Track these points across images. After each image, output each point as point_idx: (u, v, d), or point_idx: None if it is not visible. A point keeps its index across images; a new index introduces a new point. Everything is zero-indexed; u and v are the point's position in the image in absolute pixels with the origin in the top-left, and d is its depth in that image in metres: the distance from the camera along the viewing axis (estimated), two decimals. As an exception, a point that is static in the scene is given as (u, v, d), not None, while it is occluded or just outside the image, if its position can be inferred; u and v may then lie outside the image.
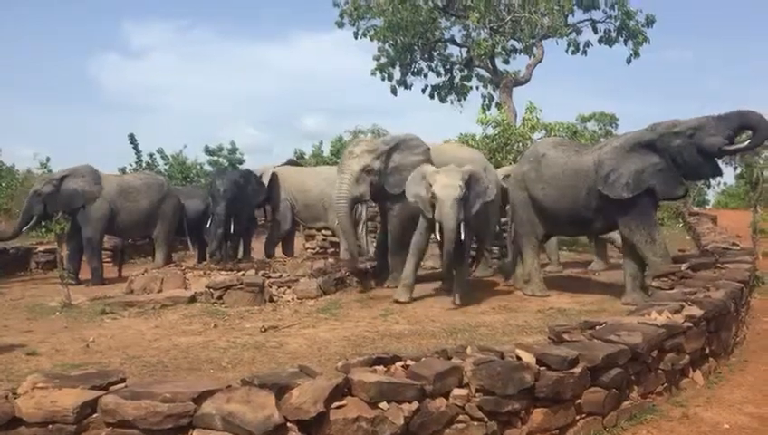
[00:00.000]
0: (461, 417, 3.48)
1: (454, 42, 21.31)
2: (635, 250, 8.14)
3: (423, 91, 21.91)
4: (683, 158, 7.92)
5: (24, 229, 11.55)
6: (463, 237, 8.20)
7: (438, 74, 21.82)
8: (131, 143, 20.16)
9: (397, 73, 21.26)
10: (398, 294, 8.72)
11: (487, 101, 21.29)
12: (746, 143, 7.92)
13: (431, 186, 8.18)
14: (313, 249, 13.80)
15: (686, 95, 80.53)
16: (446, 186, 8.07)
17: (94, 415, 3.15)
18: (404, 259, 9.82)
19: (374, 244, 11.92)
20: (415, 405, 3.31)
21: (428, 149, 9.73)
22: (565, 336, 4.37)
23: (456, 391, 3.50)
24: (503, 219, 11.14)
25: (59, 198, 11.09)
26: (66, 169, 11.51)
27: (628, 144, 8.19)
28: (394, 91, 21.42)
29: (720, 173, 8.33)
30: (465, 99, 21.91)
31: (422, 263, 11.56)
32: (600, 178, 8.15)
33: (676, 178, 8.04)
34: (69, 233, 11.15)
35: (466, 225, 8.30)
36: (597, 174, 8.18)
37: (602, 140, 16.11)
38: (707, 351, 5.23)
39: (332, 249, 13.04)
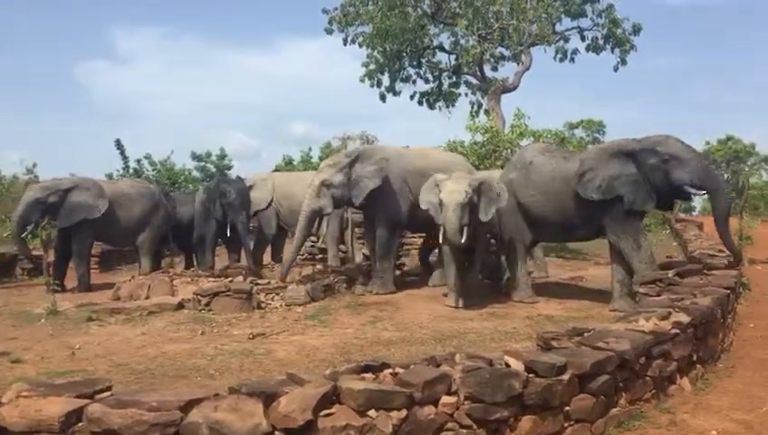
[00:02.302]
0: (450, 425, 3.47)
1: (442, 49, 21.43)
2: (622, 257, 8.18)
3: (411, 97, 22.03)
4: (653, 177, 8.06)
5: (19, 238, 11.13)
6: (464, 241, 8.27)
7: (427, 81, 21.94)
8: (118, 149, 20.02)
9: (385, 80, 21.36)
10: (449, 299, 8.77)
11: (476, 108, 21.39)
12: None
13: (440, 192, 8.44)
14: (302, 255, 13.74)
15: (672, 102, 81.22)
16: (452, 191, 8.33)
17: (80, 424, 3.11)
18: (391, 264, 9.87)
19: (361, 250, 11.94)
20: (404, 413, 3.31)
21: (384, 158, 9.78)
22: (553, 343, 4.38)
23: (445, 399, 3.50)
24: None
25: (62, 210, 10.89)
26: (69, 180, 11.33)
27: (611, 149, 8.35)
28: (383, 98, 21.49)
29: (687, 199, 8.51)
30: (453, 106, 22.06)
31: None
32: (577, 174, 8.26)
33: (647, 191, 8.11)
34: (56, 240, 11.04)
35: (477, 231, 8.59)
36: (576, 176, 8.25)
37: (589, 147, 16.20)
38: (695, 357, 5.25)
39: (320, 256, 12.99)
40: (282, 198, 12.29)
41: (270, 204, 12.35)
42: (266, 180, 12.74)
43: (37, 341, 6.92)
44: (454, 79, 21.91)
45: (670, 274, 7.34)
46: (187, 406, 3.11)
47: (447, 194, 8.33)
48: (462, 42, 20.50)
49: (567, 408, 3.87)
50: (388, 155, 9.93)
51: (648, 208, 8.56)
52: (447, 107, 22.08)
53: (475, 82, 21.33)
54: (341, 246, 12.32)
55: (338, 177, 9.64)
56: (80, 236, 11.10)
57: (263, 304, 8.67)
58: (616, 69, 20.47)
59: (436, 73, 21.88)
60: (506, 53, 20.42)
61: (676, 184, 7.97)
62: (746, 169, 33.99)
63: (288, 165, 23.40)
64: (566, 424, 3.88)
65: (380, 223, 9.77)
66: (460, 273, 8.76)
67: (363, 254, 11.70)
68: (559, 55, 20.61)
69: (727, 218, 8.15)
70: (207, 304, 8.46)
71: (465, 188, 8.34)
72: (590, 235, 8.88)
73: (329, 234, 11.93)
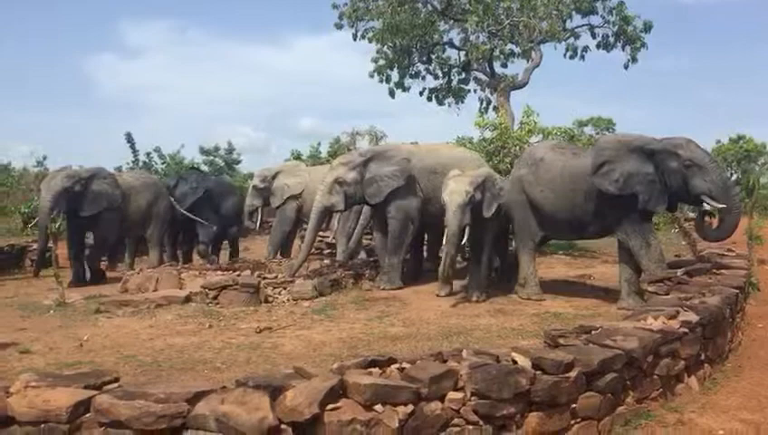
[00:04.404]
0: (456, 420, 3.47)
1: (452, 45, 21.31)
2: (631, 255, 8.13)
3: (421, 93, 21.91)
4: (670, 179, 7.95)
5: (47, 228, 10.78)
6: (464, 241, 8.51)
7: (436, 77, 21.81)
8: (128, 142, 20.08)
9: (395, 76, 21.25)
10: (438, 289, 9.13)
11: (485, 105, 21.31)
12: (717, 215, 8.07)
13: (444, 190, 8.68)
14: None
15: (682, 101, 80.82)
16: (453, 192, 8.48)
17: (87, 415, 3.14)
18: (400, 260, 9.87)
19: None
20: (410, 408, 3.31)
21: (406, 159, 9.84)
22: (561, 340, 4.37)
23: (452, 395, 3.50)
24: None
25: (86, 199, 10.82)
26: (87, 169, 11.24)
27: (632, 144, 8.14)
28: (392, 94, 21.39)
29: (698, 205, 8.43)
30: (462, 102, 21.91)
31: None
32: (594, 164, 8.13)
33: (662, 193, 8.01)
34: (71, 235, 11.03)
35: (484, 226, 8.84)
36: (592, 165, 8.12)
37: (605, 135, 16.08)
38: (703, 356, 5.23)
39: (328, 250, 13.02)
40: (308, 194, 12.23)
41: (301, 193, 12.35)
42: (299, 167, 12.93)
43: (46, 332, 6.96)
44: (463, 75, 21.78)
45: (679, 272, 7.30)
46: (195, 398, 3.12)
47: (449, 194, 8.49)
48: (472, 38, 20.35)
49: (574, 405, 3.87)
50: (403, 154, 9.96)
51: (659, 210, 8.49)
52: (456, 103, 21.96)
53: (484, 78, 21.23)
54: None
55: (351, 175, 9.70)
56: (104, 227, 11.13)
57: (270, 299, 8.69)
58: (626, 67, 20.31)
59: (446, 69, 21.77)
60: (516, 49, 20.29)
61: (694, 192, 7.81)
62: (757, 168, 33.82)
63: (297, 159, 23.42)
64: (573, 422, 3.87)
65: (393, 219, 9.78)
66: (452, 263, 8.97)
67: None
68: (569, 52, 20.48)
69: (730, 235, 8.09)
70: (215, 298, 8.48)
71: (465, 187, 8.47)
72: (601, 232, 8.80)
73: (340, 230, 11.90)
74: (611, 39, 20.21)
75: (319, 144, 25.44)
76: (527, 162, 9.12)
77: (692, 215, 18.47)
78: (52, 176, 11.13)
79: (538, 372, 3.74)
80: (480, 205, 8.65)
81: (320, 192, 9.83)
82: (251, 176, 13.77)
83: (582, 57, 20.54)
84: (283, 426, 3.07)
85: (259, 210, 13.02)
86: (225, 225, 13.48)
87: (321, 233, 13.07)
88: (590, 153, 8.58)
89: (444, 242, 8.72)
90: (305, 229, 13.35)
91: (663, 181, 7.98)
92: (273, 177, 12.53)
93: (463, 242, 8.55)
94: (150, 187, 12.18)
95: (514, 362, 3.82)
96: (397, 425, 3.22)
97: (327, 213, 10.28)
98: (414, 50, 20.63)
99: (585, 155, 8.65)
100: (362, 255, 11.82)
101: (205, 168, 23.79)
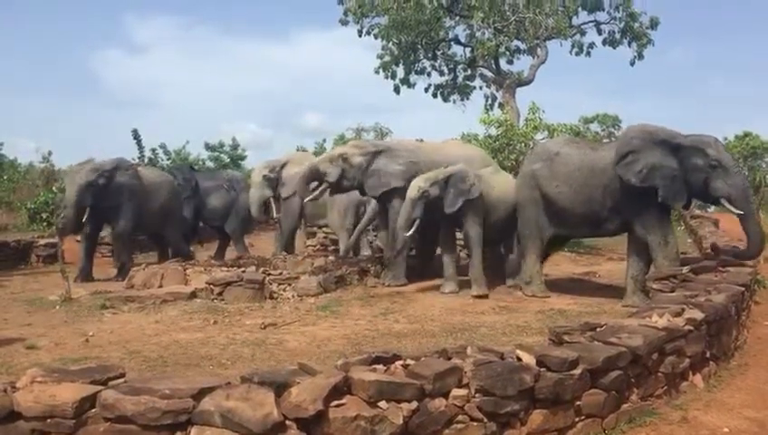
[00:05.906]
0: (460, 417, 3.47)
1: (458, 41, 21.28)
2: (639, 252, 8.08)
3: (426, 90, 21.87)
4: (692, 177, 7.88)
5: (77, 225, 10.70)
6: (409, 233, 9.01)
7: (442, 74, 21.77)
8: (135, 138, 20.06)
9: (400, 72, 21.20)
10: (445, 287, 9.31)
11: (490, 102, 21.28)
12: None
13: None
14: (314, 247, 13.80)
15: (689, 95, 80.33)
16: (411, 187, 8.94)
17: (93, 410, 3.14)
18: (404, 257, 9.88)
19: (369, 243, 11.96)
20: (414, 405, 3.31)
21: (412, 161, 9.89)
22: (565, 338, 4.36)
23: (456, 392, 3.50)
24: None
25: (110, 191, 10.78)
26: (110, 161, 11.12)
27: (657, 137, 8.06)
28: (397, 90, 21.36)
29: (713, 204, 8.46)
30: (468, 99, 21.87)
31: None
32: (618, 153, 8.03)
33: (682, 188, 7.95)
34: (90, 230, 10.96)
35: (468, 221, 9.11)
36: (617, 153, 8.04)
37: (605, 141, 16.00)
38: (708, 354, 5.22)
39: (333, 247, 13.03)
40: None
41: None
42: (308, 157, 12.66)
43: (52, 327, 6.99)
44: (469, 72, 21.74)
45: (684, 270, 7.27)
46: (200, 394, 3.13)
47: (409, 189, 8.93)
48: (477, 34, 20.30)
49: (578, 402, 3.86)
50: (412, 155, 9.97)
51: (677, 206, 8.43)
52: (462, 100, 21.91)
53: (489, 75, 21.17)
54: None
55: (358, 159, 9.77)
56: (123, 221, 11.03)
57: (275, 295, 8.71)
58: (632, 63, 20.28)
59: (451, 66, 21.72)
60: (522, 46, 20.27)
61: (715, 194, 7.78)
62: (763, 165, 33.66)
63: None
64: (577, 419, 3.87)
65: (394, 215, 9.76)
66: (452, 259, 9.40)
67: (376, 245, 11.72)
68: (575, 49, 20.41)
69: (762, 247, 8.04)
70: (220, 294, 8.51)
71: (420, 183, 8.84)
72: (617, 229, 8.58)
73: (340, 225, 11.87)
74: (617, 35, 20.16)
75: (324, 141, 25.43)
76: (541, 157, 8.98)
77: (698, 212, 18.41)
78: (76, 170, 11.05)
79: (542, 370, 3.74)
80: (440, 200, 8.90)
81: (318, 158, 9.95)
82: (255, 172, 13.64)
83: (588, 54, 20.50)
84: (287, 422, 3.08)
85: (271, 201, 12.47)
86: (210, 220, 13.56)
87: (326, 229, 13.18)
88: (611, 146, 8.53)
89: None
90: (308, 226, 13.47)
91: (684, 178, 7.93)
92: (282, 166, 12.39)
93: (409, 234, 8.97)
94: (169, 184, 12.18)
95: (519, 359, 3.82)
96: (401, 422, 3.22)
97: (316, 178, 9.99)
98: (419, 46, 20.58)
99: (603, 148, 8.58)
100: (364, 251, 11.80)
101: (210, 164, 23.79)
